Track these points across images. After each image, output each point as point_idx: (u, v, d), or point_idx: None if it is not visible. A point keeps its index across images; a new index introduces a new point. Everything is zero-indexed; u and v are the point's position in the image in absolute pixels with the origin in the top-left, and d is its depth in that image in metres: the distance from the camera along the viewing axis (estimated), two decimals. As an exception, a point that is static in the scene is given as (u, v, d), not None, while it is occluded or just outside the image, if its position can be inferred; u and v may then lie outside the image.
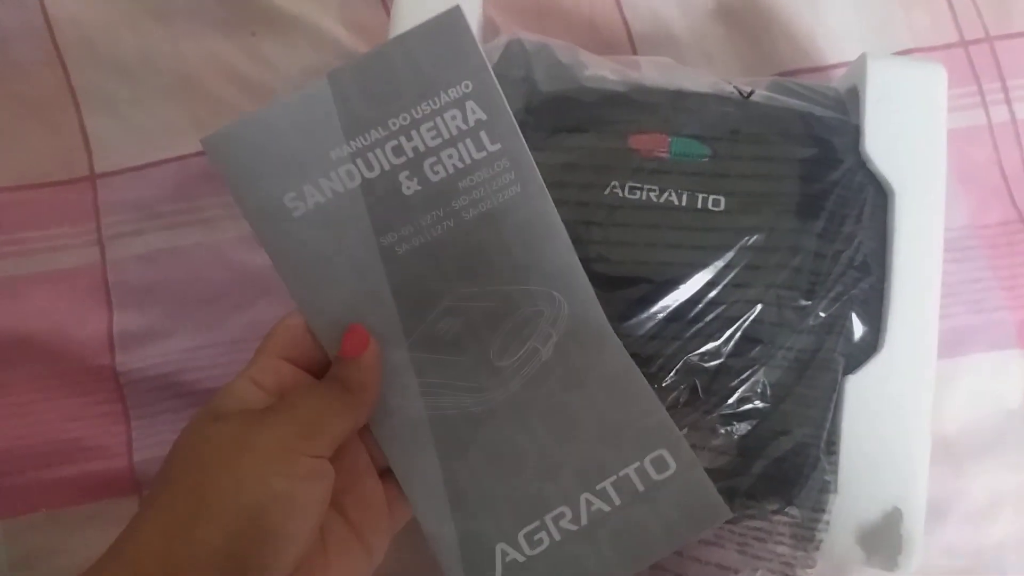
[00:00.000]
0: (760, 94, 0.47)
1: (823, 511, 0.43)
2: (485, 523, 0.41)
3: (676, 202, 0.44)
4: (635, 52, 0.59)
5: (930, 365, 0.44)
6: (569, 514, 0.41)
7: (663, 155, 0.44)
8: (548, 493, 0.41)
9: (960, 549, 0.55)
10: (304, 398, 0.38)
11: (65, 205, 0.56)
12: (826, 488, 0.43)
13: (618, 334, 0.42)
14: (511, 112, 0.41)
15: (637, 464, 0.41)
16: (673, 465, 0.41)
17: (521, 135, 0.41)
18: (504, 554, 0.40)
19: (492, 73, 0.41)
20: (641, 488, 0.41)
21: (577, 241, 0.43)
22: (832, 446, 0.43)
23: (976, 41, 0.60)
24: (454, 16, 0.40)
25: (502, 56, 0.48)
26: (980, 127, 0.59)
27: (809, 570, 0.42)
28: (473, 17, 0.47)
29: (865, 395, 0.44)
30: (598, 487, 0.41)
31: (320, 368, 0.41)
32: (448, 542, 0.41)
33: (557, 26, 0.59)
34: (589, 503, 0.41)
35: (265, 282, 0.55)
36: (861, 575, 0.52)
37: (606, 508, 0.41)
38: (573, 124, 0.45)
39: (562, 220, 0.43)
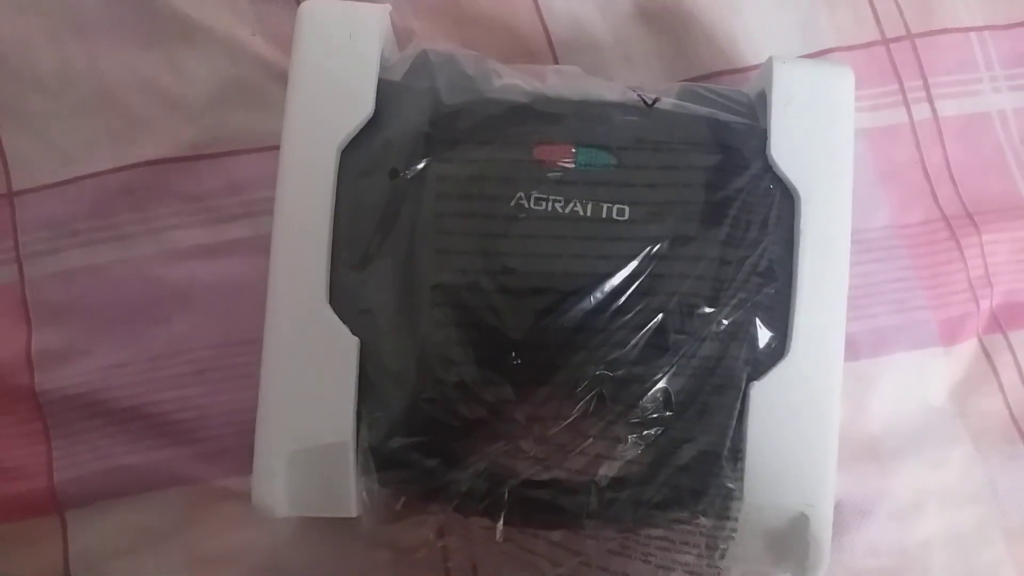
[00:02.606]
0: (667, 101, 0.47)
1: (728, 519, 0.43)
2: None
3: (581, 212, 0.44)
4: (556, 58, 0.59)
5: (837, 370, 0.44)
6: None
7: (568, 165, 0.44)
8: None
9: (885, 548, 0.55)
10: None
11: (-18, 224, 0.55)
12: (731, 495, 0.43)
13: (526, 345, 0.43)
14: None
15: None
16: None
17: None
18: None
19: None
20: None
21: (483, 253, 0.43)
22: (738, 453, 0.43)
23: (897, 39, 0.60)
24: None
25: (410, 68, 0.47)
26: (902, 125, 0.59)
27: (715, 577, 0.43)
28: (379, 25, 0.47)
29: (770, 401, 0.44)
30: None
31: None
32: None
33: (479, 34, 0.59)
34: None
35: (183, 297, 0.55)
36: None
37: None
38: (477, 136, 0.45)
39: (468, 232, 0.43)
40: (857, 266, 0.56)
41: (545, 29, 0.59)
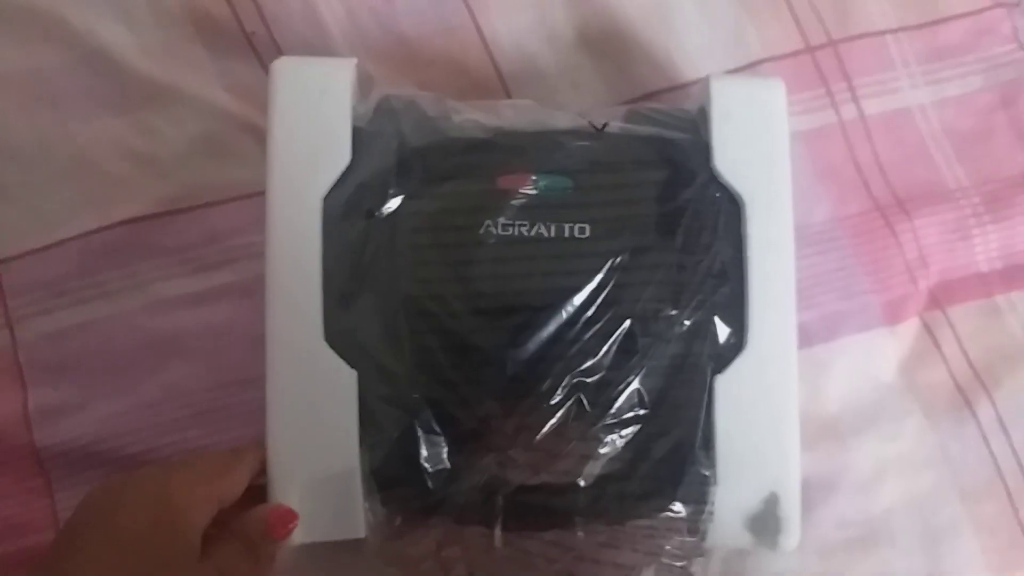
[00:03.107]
0: (615, 125, 0.51)
1: (705, 503, 0.46)
2: None
3: (545, 233, 0.47)
4: (507, 91, 0.62)
5: (792, 357, 0.48)
6: None
7: (530, 191, 0.48)
8: None
9: (852, 519, 0.59)
10: None
11: (-30, 295, 0.57)
12: (706, 482, 0.47)
13: (506, 360, 0.46)
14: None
15: None
16: None
17: None
18: None
19: None
20: None
21: (459, 279, 0.47)
22: (709, 442, 0.47)
23: (821, 46, 0.65)
24: None
25: (375, 114, 0.51)
26: (832, 126, 0.64)
27: (700, 558, 0.46)
28: (348, 78, 0.50)
29: (734, 391, 0.47)
30: None
31: None
32: None
33: (433, 74, 0.62)
34: None
35: (174, 344, 0.57)
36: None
37: None
38: (444, 172, 0.48)
39: (443, 261, 0.47)
40: (803, 259, 0.60)
41: (495, 64, 0.62)
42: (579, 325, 0.46)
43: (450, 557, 0.51)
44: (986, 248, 0.64)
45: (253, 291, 0.57)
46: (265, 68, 0.60)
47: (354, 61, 0.51)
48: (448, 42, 0.63)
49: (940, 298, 0.63)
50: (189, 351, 0.58)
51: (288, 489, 0.46)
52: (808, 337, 0.60)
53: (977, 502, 0.60)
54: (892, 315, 0.62)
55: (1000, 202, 0.64)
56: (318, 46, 0.61)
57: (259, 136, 0.59)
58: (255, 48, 0.61)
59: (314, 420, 0.46)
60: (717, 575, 0.57)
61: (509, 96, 0.62)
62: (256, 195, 0.58)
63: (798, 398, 0.48)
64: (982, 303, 0.63)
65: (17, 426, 0.57)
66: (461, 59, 0.62)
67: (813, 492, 0.58)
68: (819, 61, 0.64)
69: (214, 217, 0.59)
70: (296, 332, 0.47)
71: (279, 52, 0.61)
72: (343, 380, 0.46)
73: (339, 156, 0.48)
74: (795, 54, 0.64)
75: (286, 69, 0.49)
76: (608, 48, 0.63)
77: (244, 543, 0.44)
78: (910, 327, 0.62)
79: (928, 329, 0.62)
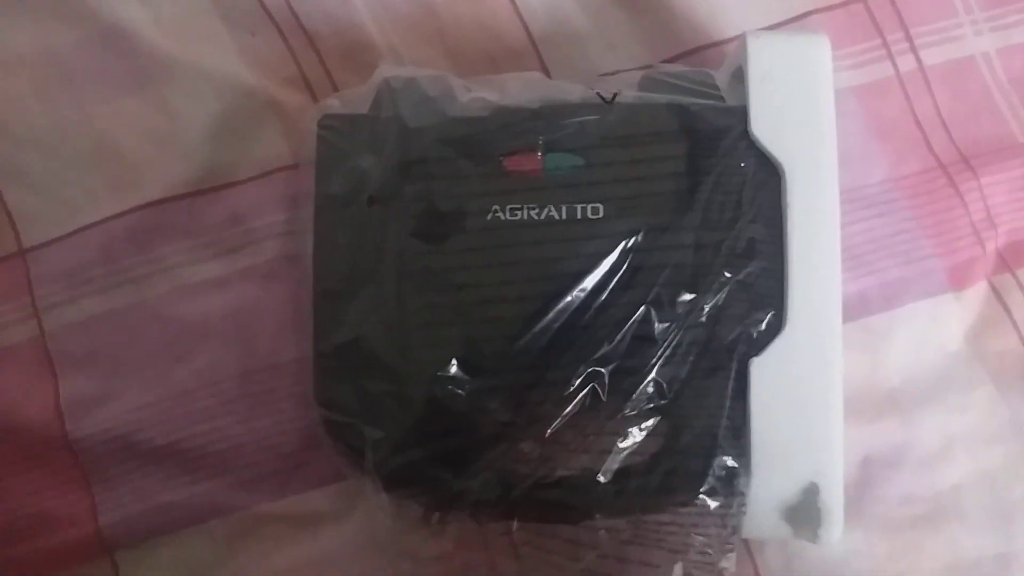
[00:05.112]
0: (629, 95, 0.48)
1: (734, 495, 0.44)
2: None
3: (556, 216, 0.45)
4: (539, 55, 0.59)
5: (836, 337, 0.45)
6: None
7: (537, 172, 0.46)
8: None
9: (918, 496, 0.56)
10: None
11: (-1, 284, 0.57)
12: (734, 473, 0.44)
13: (517, 349, 0.44)
14: None
15: None
16: None
17: None
18: None
19: None
20: None
21: (466, 267, 0.45)
22: (739, 430, 0.44)
23: (874, -7, 0.60)
24: None
25: (375, 99, 0.49)
26: (889, 79, 0.59)
27: (730, 554, 0.44)
28: None
29: (771, 375, 0.44)
30: None
31: None
32: None
33: (460, 40, 0.60)
34: None
35: (201, 331, 0.56)
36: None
37: None
38: (447, 156, 0.46)
39: (450, 250, 0.45)
40: (860, 223, 0.57)
41: (525, 27, 0.59)
42: (592, 311, 0.44)
43: (470, 563, 0.50)
44: (1061, 206, 0.59)
45: (277, 272, 0.56)
46: (283, 35, 0.59)
47: None
48: (476, 7, 0.60)
49: (1010, 260, 0.58)
50: (217, 337, 0.56)
51: None
52: (867, 305, 0.57)
53: (1052, 477, 0.56)
54: (958, 280, 0.58)
55: (1075, 155, 0.59)
56: (340, 16, 0.59)
57: (280, 111, 0.58)
58: (274, 20, 0.59)
59: None
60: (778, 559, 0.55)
61: (542, 60, 0.60)
62: (277, 171, 0.57)
63: (842, 380, 0.45)
64: (1056, 265, 0.59)
65: (50, 418, 0.56)
66: (491, 24, 0.59)
67: (876, 469, 0.56)
68: (873, 10, 0.60)
69: (236, 197, 0.57)
70: None
71: (298, 23, 0.59)
72: None
73: None
74: (846, 3, 0.60)
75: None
76: (644, 5, 0.60)
77: None
78: (977, 292, 0.58)
79: (997, 294, 0.58)
